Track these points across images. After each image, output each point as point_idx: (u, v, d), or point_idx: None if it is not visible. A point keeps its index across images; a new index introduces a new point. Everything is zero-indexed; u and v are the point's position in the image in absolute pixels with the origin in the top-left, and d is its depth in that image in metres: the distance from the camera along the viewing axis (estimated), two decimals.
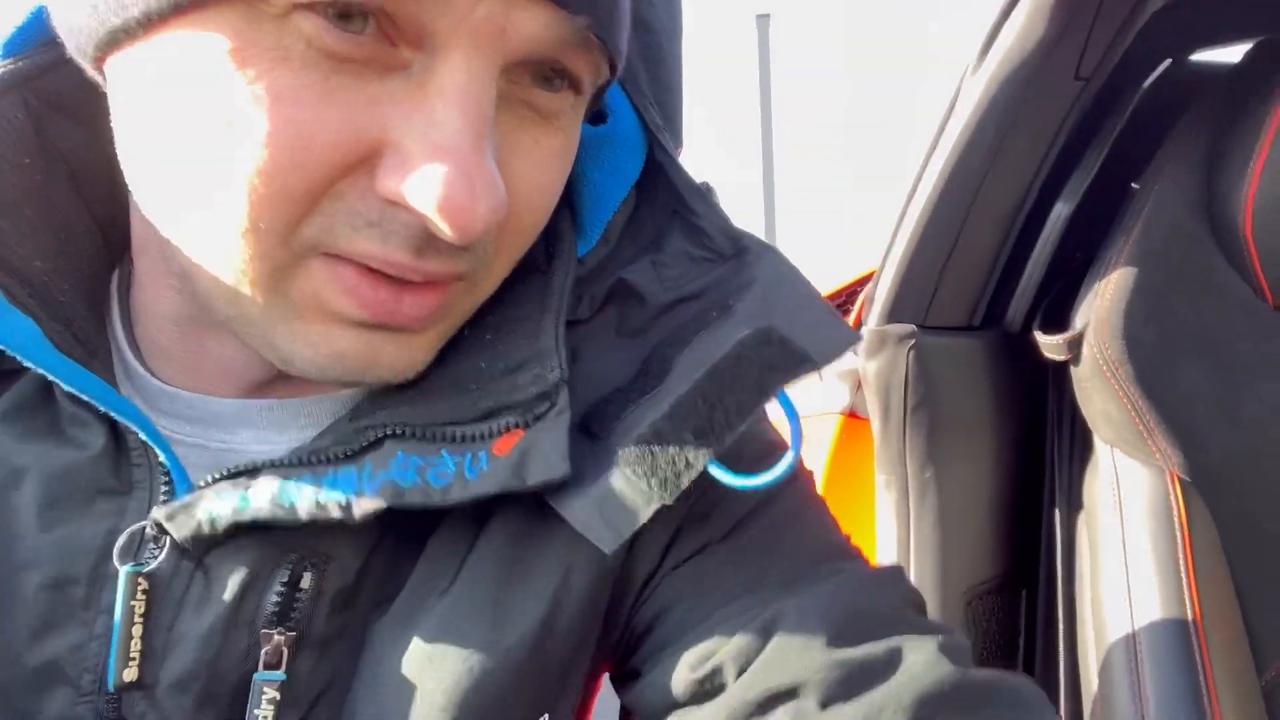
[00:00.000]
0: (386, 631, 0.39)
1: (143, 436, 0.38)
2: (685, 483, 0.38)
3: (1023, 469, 0.88)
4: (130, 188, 0.37)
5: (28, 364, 0.37)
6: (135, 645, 0.37)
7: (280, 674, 0.37)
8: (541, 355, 0.40)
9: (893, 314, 0.82)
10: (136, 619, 0.37)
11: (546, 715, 0.41)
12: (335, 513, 0.37)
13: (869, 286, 0.86)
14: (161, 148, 0.34)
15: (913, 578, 0.86)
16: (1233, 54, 0.96)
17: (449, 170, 0.31)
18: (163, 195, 0.35)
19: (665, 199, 0.46)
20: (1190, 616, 0.70)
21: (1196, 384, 0.78)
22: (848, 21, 5.97)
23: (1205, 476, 0.76)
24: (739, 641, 0.39)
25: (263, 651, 0.37)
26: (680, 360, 0.41)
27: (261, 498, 0.37)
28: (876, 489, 0.87)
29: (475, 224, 0.32)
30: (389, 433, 0.38)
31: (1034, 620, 0.86)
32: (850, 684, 0.37)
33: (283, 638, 0.38)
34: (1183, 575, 0.71)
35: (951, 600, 0.84)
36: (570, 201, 0.46)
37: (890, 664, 0.38)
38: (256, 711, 0.37)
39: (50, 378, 0.37)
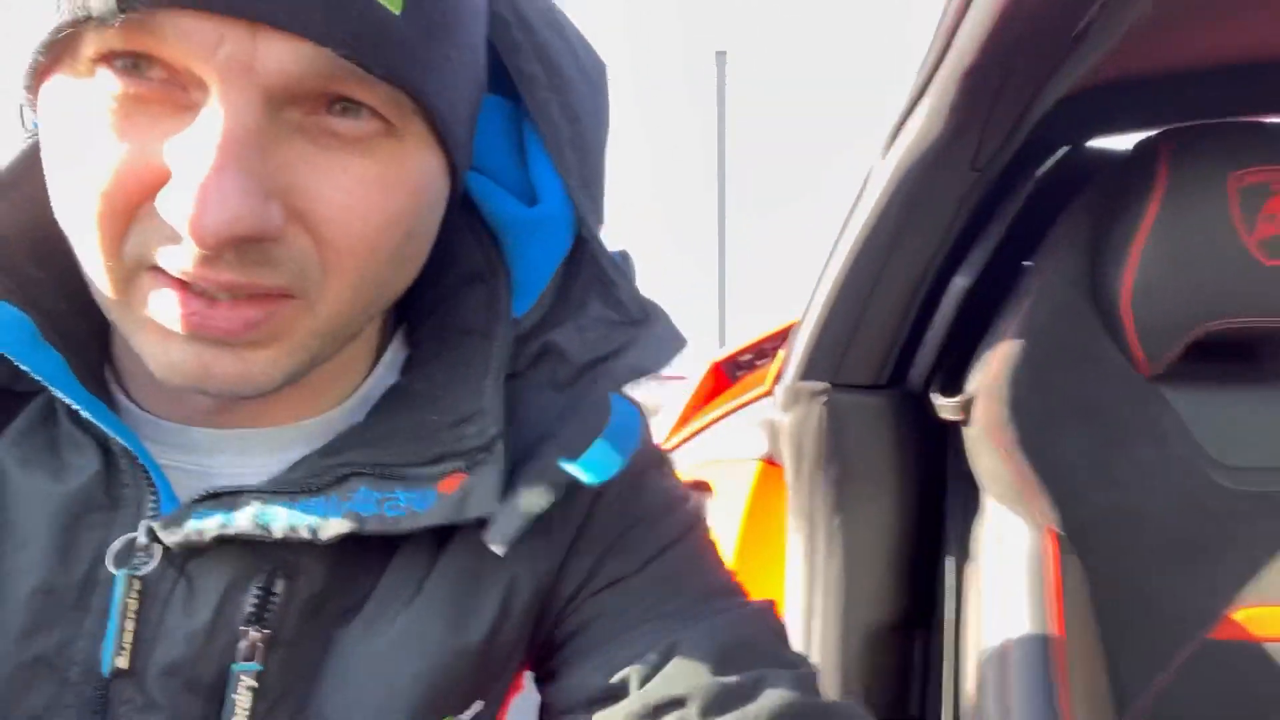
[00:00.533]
0: (356, 632, 0.47)
1: (141, 461, 0.44)
2: (547, 497, 0.47)
3: (923, 518, 0.95)
4: None
5: (60, 394, 0.42)
6: (128, 638, 0.42)
7: (256, 665, 0.44)
8: (484, 412, 0.47)
9: (808, 371, 0.89)
10: (129, 615, 0.43)
11: (481, 702, 0.50)
12: (304, 534, 0.43)
13: (788, 343, 0.93)
14: (52, 189, 0.41)
15: (818, 615, 0.93)
16: (1121, 141, 1.06)
17: (187, 187, 0.36)
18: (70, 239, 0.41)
19: (589, 271, 0.54)
20: (1054, 665, 0.77)
21: (1075, 447, 0.86)
22: (805, 60, 6.14)
23: (1080, 531, 0.84)
24: (645, 659, 0.48)
25: (240, 646, 0.43)
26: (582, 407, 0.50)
27: (243, 517, 0.43)
28: (788, 532, 0.93)
29: (205, 232, 0.36)
30: (354, 471, 0.45)
31: (925, 660, 0.93)
32: (724, 702, 0.46)
33: (258, 635, 0.44)
34: (1051, 625, 0.78)
35: (852, 637, 0.91)
36: (508, 271, 0.52)
37: (756, 688, 0.47)
38: (234, 697, 0.43)
39: (74, 406, 0.43)
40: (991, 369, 0.85)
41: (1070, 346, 0.88)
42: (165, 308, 0.39)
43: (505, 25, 0.50)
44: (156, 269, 0.39)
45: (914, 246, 0.86)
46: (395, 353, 0.52)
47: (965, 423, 0.87)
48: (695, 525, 0.55)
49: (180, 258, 0.38)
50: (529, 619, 0.51)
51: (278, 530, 0.43)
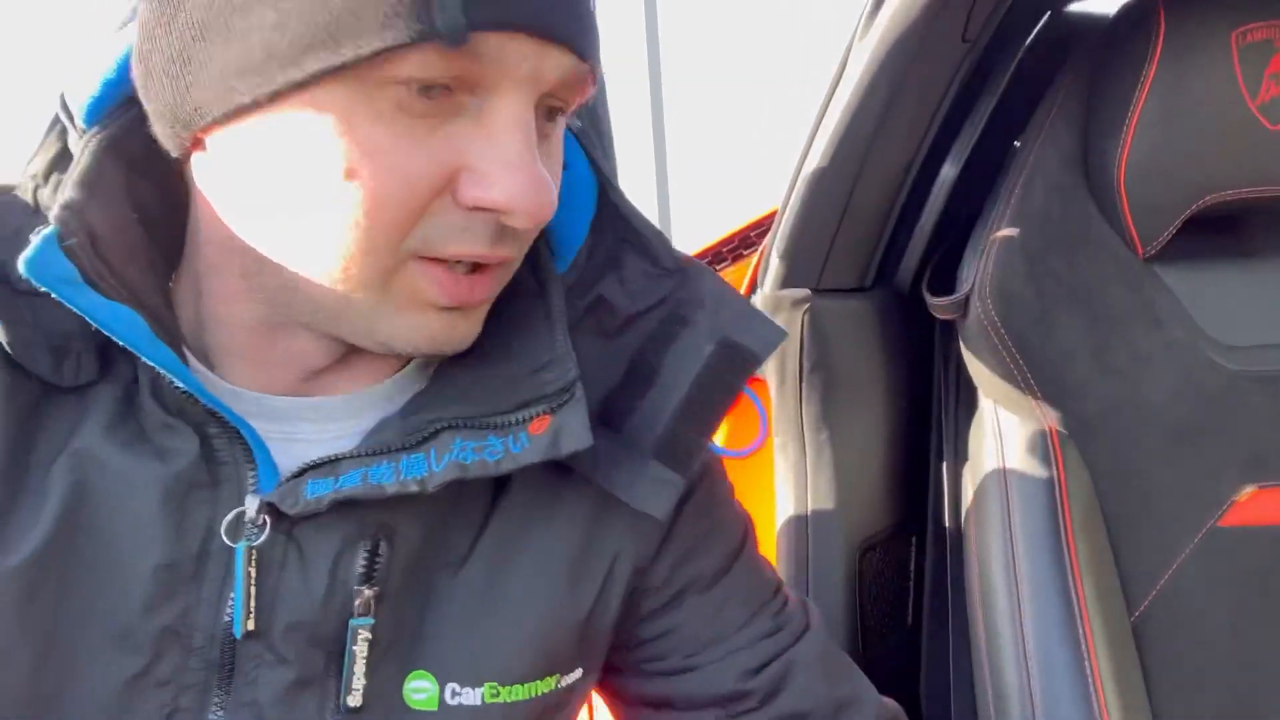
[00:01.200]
0: (462, 584, 0.52)
1: (244, 435, 0.47)
2: (696, 464, 0.56)
3: (912, 424, 0.91)
4: (227, 227, 0.46)
5: (180, 384, 0.45)
6: (251, 603, 0.47)
7: (370, 619, 0.49)
8: (559, 359, 0.51)
9: (787, 279, 0.82)
10: (251, 582, 0.47)
11: (581, 669, 0.56)
12: (414, 488, 0.47)
13: (764, 248, 0.85)
14: (282, 194, 0.44)
15: (810, 532, 0.88)
16: (1106, 3, 0.99)
17: (520, 177, 0.42)
18: (280, 231, 0.45)
19: (616, 228, 0.58)
20: (1067, 562, 0.74)
21: (1073, 338, 0.81)
22: None
23: (1081, 426, 0.80)
24: (766, 673, 0.59)
25: (356, 603, 0.48)
26: (664, 367, 0.55)
27: (354, 480, 0.47)
28: (774, 450, 0.88)
29: (543, 213, 0.44)
30: (445, 426, 0.49)
31: (922, 566, 0.90)
32: (838, 712, 0.59)
33: (370, 592, 0.48)
34: (1060, 525, 0.75)
35: (848, 553, 0.86)
36: (545, 234, 0.57)
37: (855, 697, 0.61)
38: (354, 648, 0.48)
39: (189, 392, 0.45)
40: (986, 262, 0.79)
41: (1065, 231, 0.83)
42: (433, 285, 0.45)
43: None
44: (427, 257, 0.45)
45: (900, 132, 0.78)
46: None
47: (961, 320, 0.81)
48: (749, 523, 0.64)
49: (477, 241, 0.45)
50: (623, 598, 0.57)
51: (390, 488, 0.47)
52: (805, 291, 0.82)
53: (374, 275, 0.44)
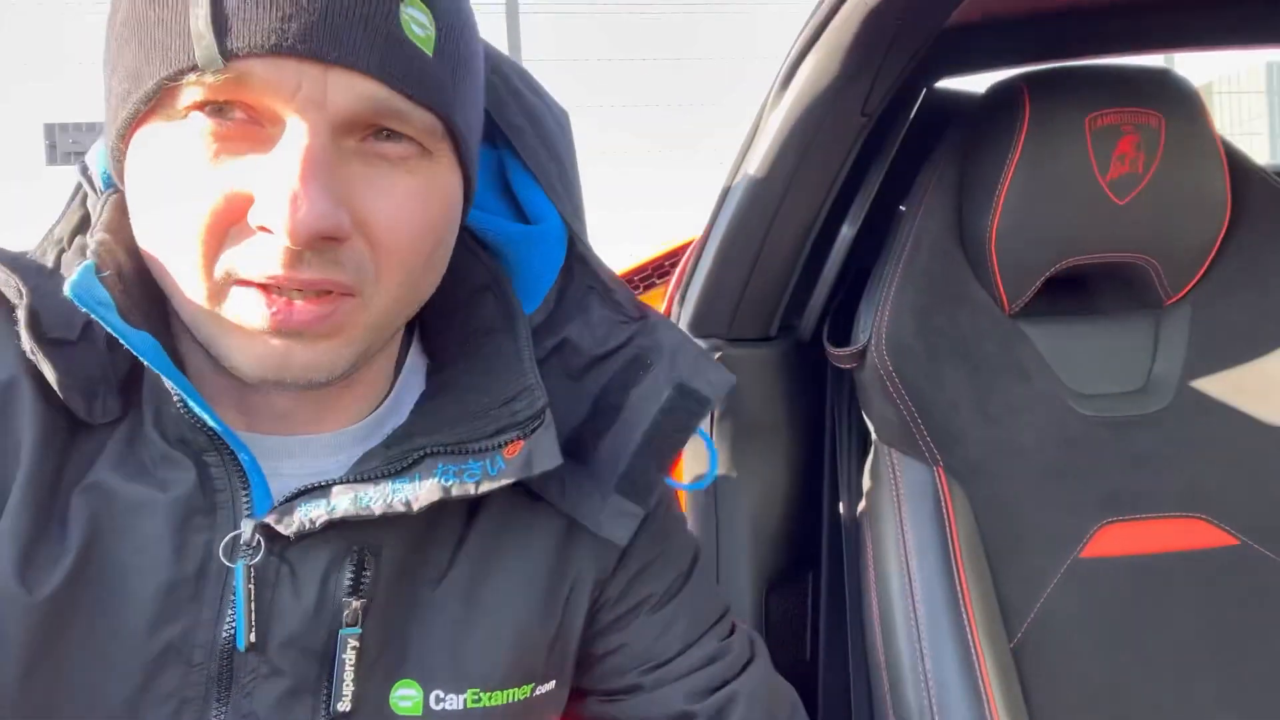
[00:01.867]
0: (444, 596, 0.56)
1: (242, 464, 0.51)
2: (655, 497, 0.61)
3: (811, 466, 0.96)
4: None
5: (196, 409, 0.49)
6: (251, 619, 0.50)
7: (358, 629, 0.52)
8: (529, 389, 0.55)
9: (699, 327, 0.86)
10: (250, 599, 0.50)
11: (554, 681, 0.61)
12: (400, 508, 0.51)
13: (671, 295, 0.89)
14: (140, 228, 0.49)
15: (721, 571, 0.92)
16: (976, 83, 1.09)
17: (279, 197, 0.44)
18: (155, 273, 0.49)
19: (585, 279, 0.64)
20: (959, 592, 0.80)
21: (957, 388, 0.89)
22: None
23: (965, 468, 0.87)
24: (708, 702, 0.63)
25: (344, 614, 0.52)
26: (627, 406, 0.60)
27: (344, 502, 0.50)
28: (685, 494, 0.91)
29: (299, 229, 0.44)
30: (427, 452, 0.53)
31: (818, 603, 0.95)
32: None
33: (358, 603, 0.52)
34: (951, 559, 0.81)
35: (756, 590, 0.91)
36: (519, 281, 0.62)
37: None
38: (344, 656, 0.52)
39: (209, 421, 0.49)
40: (881, 317, 0.86)
41: (947, 290, 0.91)
42: (253, 310, 0.47)
43: (493, 87, 0.61)
44: (242, 281, 0.47)
45: (805, 195, 0.84)
46: (415, 359, 0.61)
47: (858, 370, 0.87)
48: (699, 550, 0.69)
49: (270, 264, 0.46)
50: (586, 614, 0.62)
51: (377, 508, 0.50)
52: (717, 341, 0.87)
53: (201, 297, 0.47)
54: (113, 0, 0.49)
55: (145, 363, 0.48)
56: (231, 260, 0.46)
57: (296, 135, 0.45)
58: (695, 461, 0.88)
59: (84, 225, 0.55)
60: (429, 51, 0.47)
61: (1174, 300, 0.98)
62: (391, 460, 0.53)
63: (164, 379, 0.49)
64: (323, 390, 0.51)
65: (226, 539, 0.51)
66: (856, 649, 0.89)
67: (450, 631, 0.56)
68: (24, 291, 0.50)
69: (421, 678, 0.55)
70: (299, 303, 0.47)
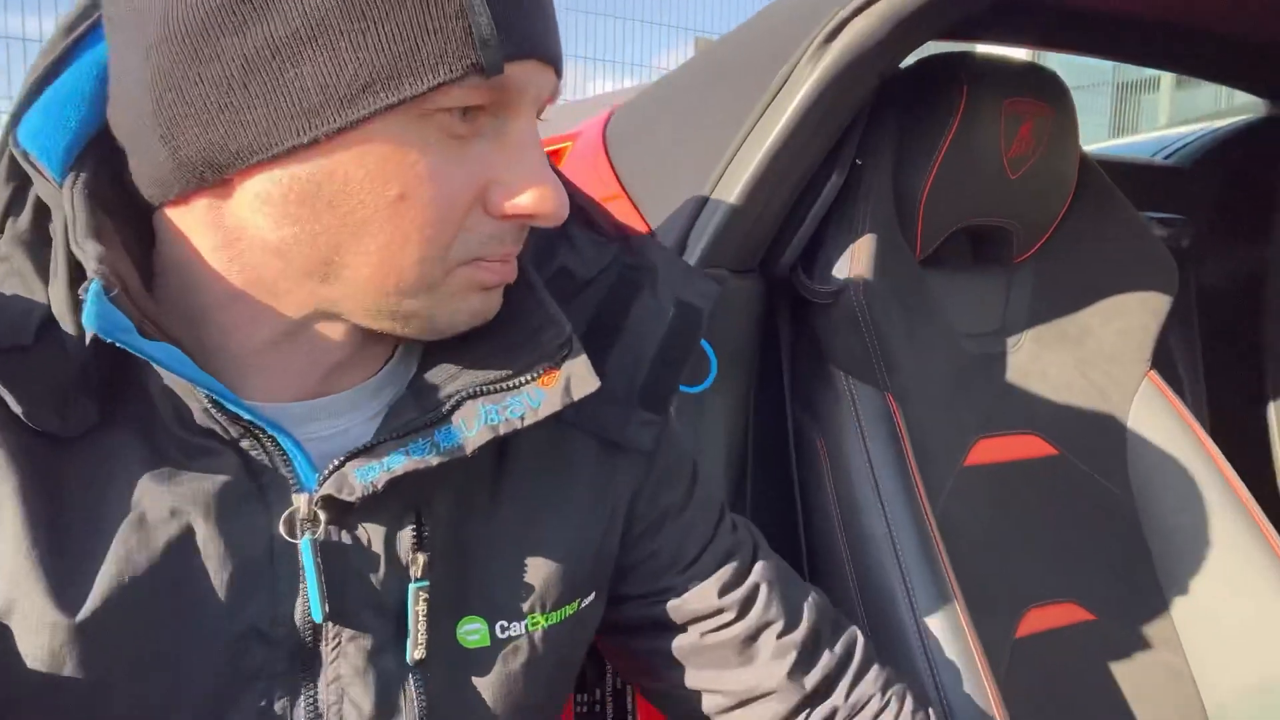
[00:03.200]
0: (495, 534, 0.59)
1: (281, 443, 0.51)
2: (671, 403, 0.67)
3: (769, 388, 1.06)
4: (257, 255, 0.50)
5: (230, 406, 0.48)
6: (323, 589, 0.51)
7: (426, 581, 0.55)
8: (551, 320, 0.58)
9: (711, 258, 0.91)
10: (320, 571, 0.51)
11: (595, 593, 0.65)
12: (457, 454, 0.53)
13: (686, 228, 0.92)
14: (333, 222, 0.47)
15: None
16: None
17: (543, 187, 0.50)
18: (329, 254, 0.49)
19: None
20: (915, 492, 0.95)
21: (896, 324, 1.03)
22: None
23: (901, 393, 1.03)
24: (736, 591, 0.70)
25: (412, 569, 0.54)
26: (628, 326, 0.65)
27: (399, 460, 0.51)
28: None
29: (564, 214, 0.51)
30: (465, 396, 0.54)
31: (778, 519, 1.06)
32: (796, 618, 0.72)
33: (424, 557, 0.55)
34: (907, 465, 0.96)
35: (734, 505, 0.99)
36: None
37: (806, 602, 0.74)
38: (416, 609, 0.54)
39: (244, 415, 0.49)
40: (856, 259, 0.97)
41: (890, 238, 1.04)
42: (482, 276, 0.53)
43: None
44: (474, 261, 0.52)
45: (818, 146, 0.91)
46: None
47: (834, 306, 0.98)
48: (691, 453, 0.76)
49: (505, 245, 0.53)
50: (621, 527, 0.66)
51: (434, 460, 0.52)
52: (724, 271, 0.92)
53: (424, 284, 0.50)
54: None
55: (160, 366, 0.47)
56: (465, 245, 0.50)
57: (527, 128, 0.50)
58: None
59: (11, 207, 0.52)
60: None
61: (1021, 259, 1.21)
62: (428, 410, 0.54)
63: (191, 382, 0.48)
64: (345, 346, 0.55)
65: (284, 515, 0.51)
66: (829, 555, 1.00)
67: (507, 564, 0.59)
68: None
69: (485, 612, 0.58)
70: (510, 262, 0.55)
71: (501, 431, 0.54)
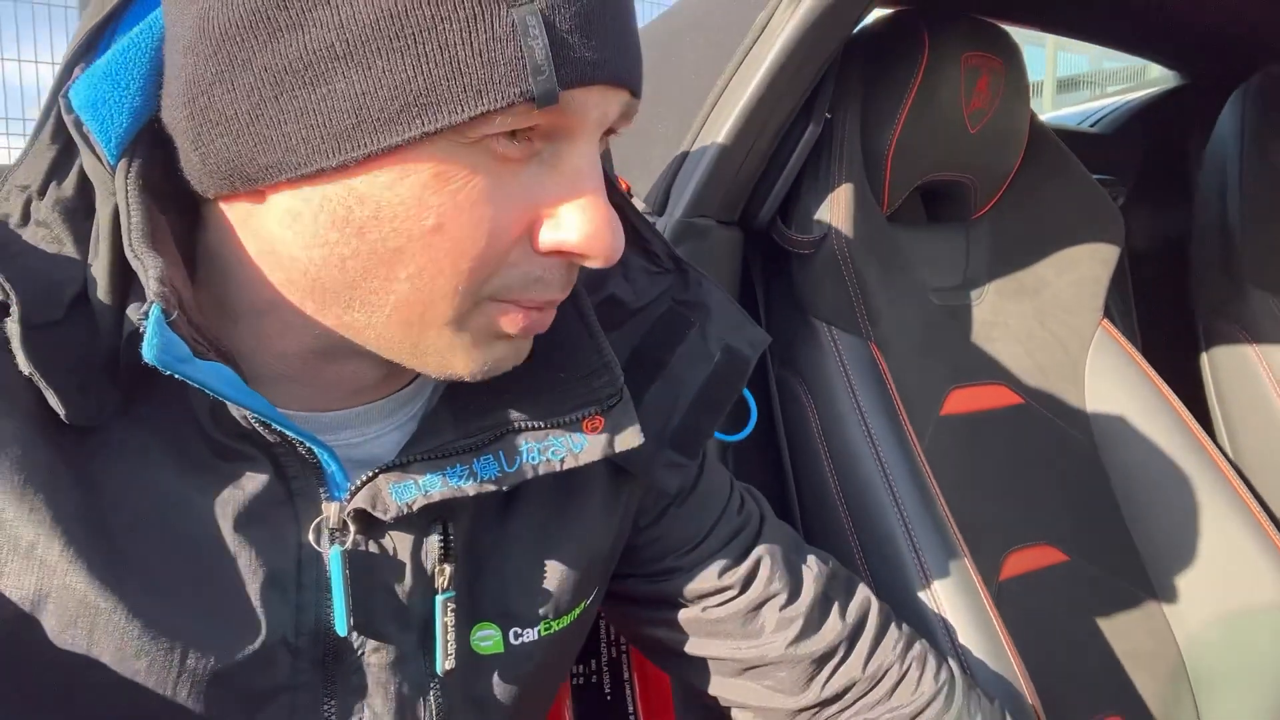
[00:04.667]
0: (512, 544, 0.58)
1: (315, 450, 0.49)
2: (702, 449, 0.66)
3: None
4: (292, 270, 0.46)
5: (277, 425, 0.46)
6: (349, 601, 0.50)
7: (453, 592, 0.54)
8: (607, 365, 0.56)
9: (696, 209, 0.90)
10: (348, 582, 0.50)
11: (599, 588, 0.65)
12: (491, 488, 0.52)
13: (664, 184, 0.91)
14: (363, 245, 0.43)
15: None
16: None
17: (596, 222, 0.44)
18: (357, 278, 0.44)
19: (625, 229, 0.64)
20: (911, 444, 0.96)
21: (876, 275, 1.04)
22: None
23: (883, 342, 1.03)
24: (739, 567, 0.71)
25: (438, 581, 0.54)
26: (672, 364, 0.63)
27: (435, 484, 0.51)
28: None
29: (617, 255, 0.46)
30: (510, 429, 0.53)
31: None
32: (798, 590, 0.73)
33: (450, 567, 0.54)
34: (899, 418, 0.97)
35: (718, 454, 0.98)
36: None
37: (808, 574, 0.74)
38: (444, 620, 0.53)
39: (286, 431, 0.47)
40: (836, 209, 0.97)
41: (863, 192, 1.05)
42: (512, 324, 0.47)
43: None
44: (506, 299, 0.47)
45: (793, 98, 0.91)
46: None
47: (814, 255, 0.98)
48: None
49: (549, 289, 0.47)
50: (629, 528, 0.67)
51: (470, 490, 0.51)
52: (711, 222, 0.91)
53: (451, 318, 0.46)
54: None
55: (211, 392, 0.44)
56: (504, 283, 0.46)
57: (586, 155, 0.45)
58: None
59: (56, 170, 0.49)
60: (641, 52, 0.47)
61: (978, 215, 1.24)
62: (469, 435, 0.53)
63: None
64: (380, 367, 0.52)
65: (313, 525, 0.50)
66: (807, 504, 1.00)
67: (520, 572, 0.59)
68: (11, 294, 0.42)
69: (501, 618, 0.58)
70: (546, 311, 0.49)
71: (540, 472, 0.53)
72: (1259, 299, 1.45)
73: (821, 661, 0.72)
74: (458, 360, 0.48)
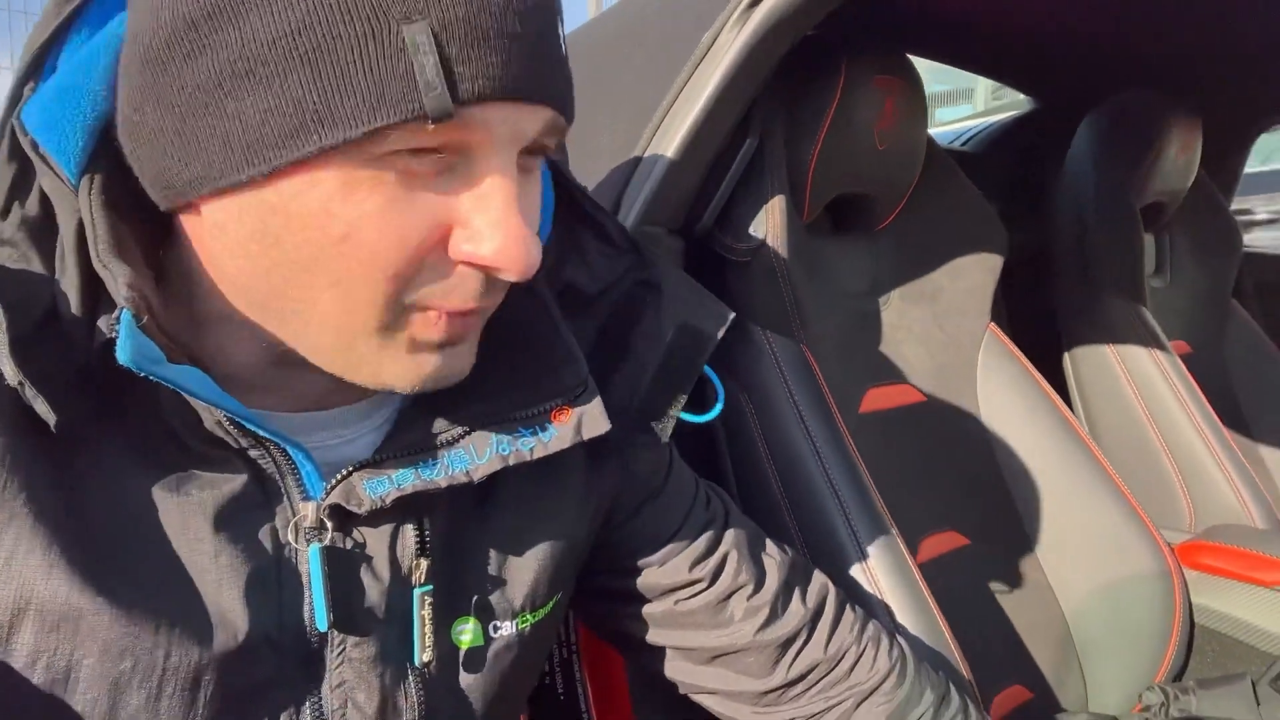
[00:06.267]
0: (490, 537, 0.60)
1: (289, 451, 0.50)
2: (671, 428, 0.67)
3: None
4: (232, 280, 0.48)
5: (250, 426, 0.48)
6: (329, 597, 0.51)
7: (430, 585, 0.55)
8: (570, 357, 0.59)
9: (648, 218, 0.93)
10: (327, 578, 0.51)
11: (572, 579, 0.68)
12: (462, 479, 0.54)
13: (620, 192, 0.94)
14: (283, 257, 0.45)
15: None
16: None
17: (507, 236, 0.45)
18: (283, 288, 0.46)
19: (571, 212, 0.66)
20: (846, 443, 1.02)
21: (804, 282, 1.10)
22: None
23: (812, 345, 1.09)
24: (708, 561, 0.74)
25: (415, 575, 0.55)
26: (633, 345, 0.65)
27: (408, 477, 0.53)
28: None
29: (530, 269, 0.46)
30: (478, 424, 0.55)
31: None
32: (763, 580, 0.76)
33: (426, 562, 0.55)
34: (833, 417, 1.03)
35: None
36: None
37: (775, 566, 0.78)
38: (422, 613, 0.55)
39: (257, 431, 0.49)
40: (772, 219, 1.03)
41: (789, 203, 1.11)
42: (431, 330, 0.48)
43: None
44: (428, 307, 0.47)
45: (738, 109, 0.96)
46: None
47: (751, 263, 1.03)
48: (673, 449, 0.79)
49: (465, 296, 0.47)
50: (601, 520, 0.69)
51: (442, 481, 0.53)
52: (661, 231, 0.95)
53: (375, 327, 0.47)
54: (236, 10, 0.41)
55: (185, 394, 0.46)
56: (425, 290, 0.46)
57: (498, 170, 0.45)
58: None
59: (16, 190, 0.50)
60: (568, 68, 0.48)
61: (882, 226, 1.33)
62: (439, 430, 0.55)
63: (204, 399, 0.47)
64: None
65: (291, 524, 0.51)
66: (749, 504, 1.04)
67: (498, 566, 0.61)
68: None
69: (479, 612, 0.60)
70: (471, 318, 0.50)
71: (511, 462, 0.55)
72: (1114, 304, 1.62)
73: (786, 645, 0.76)
74: (389, 371, 0.49)
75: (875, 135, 1.19)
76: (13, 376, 0.43)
